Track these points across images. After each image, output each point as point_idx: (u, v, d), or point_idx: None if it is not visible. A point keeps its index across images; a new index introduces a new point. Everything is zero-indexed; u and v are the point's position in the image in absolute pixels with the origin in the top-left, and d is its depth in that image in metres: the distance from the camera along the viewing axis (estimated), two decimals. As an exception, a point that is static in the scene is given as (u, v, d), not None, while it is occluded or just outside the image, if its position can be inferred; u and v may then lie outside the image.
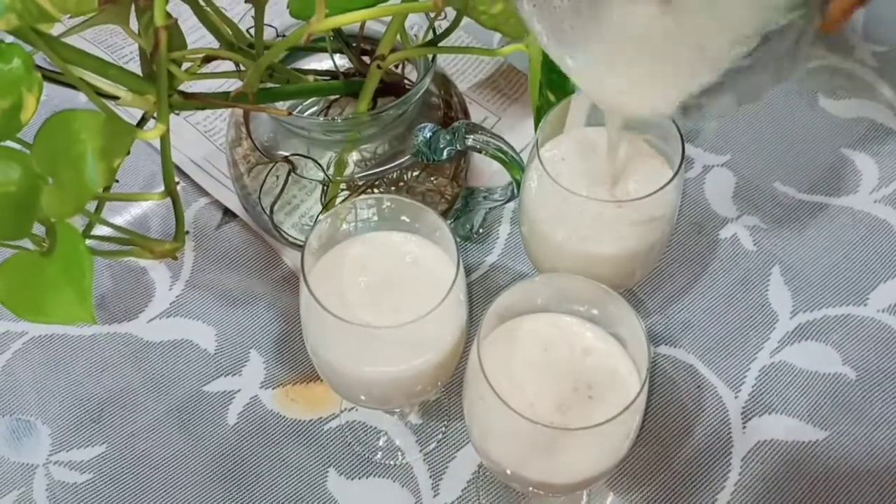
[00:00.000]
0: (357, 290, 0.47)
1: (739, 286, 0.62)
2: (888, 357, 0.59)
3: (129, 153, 0.34)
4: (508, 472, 0.44)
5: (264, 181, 0.57)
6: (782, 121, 0.71)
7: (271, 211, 0.59)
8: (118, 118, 0.35)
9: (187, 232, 0.44)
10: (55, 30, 0.38)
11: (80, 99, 0.64)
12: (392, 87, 0.58)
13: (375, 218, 0.49)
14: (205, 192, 0.66)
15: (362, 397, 0.49)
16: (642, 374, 0.41)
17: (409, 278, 0.48)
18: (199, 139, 0.68)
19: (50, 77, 0.39)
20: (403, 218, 0.48)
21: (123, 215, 0.64)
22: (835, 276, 0.62)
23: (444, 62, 0.74)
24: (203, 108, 0.47)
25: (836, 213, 0.65)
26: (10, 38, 0.37)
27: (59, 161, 0.33)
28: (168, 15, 0.36)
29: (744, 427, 0.56)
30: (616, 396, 0.41)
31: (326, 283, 0.46)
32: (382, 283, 0.47)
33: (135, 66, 0.46)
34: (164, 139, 0.40)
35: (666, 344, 0.60)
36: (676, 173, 0.46)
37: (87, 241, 0.40)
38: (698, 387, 0.58)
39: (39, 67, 0.36)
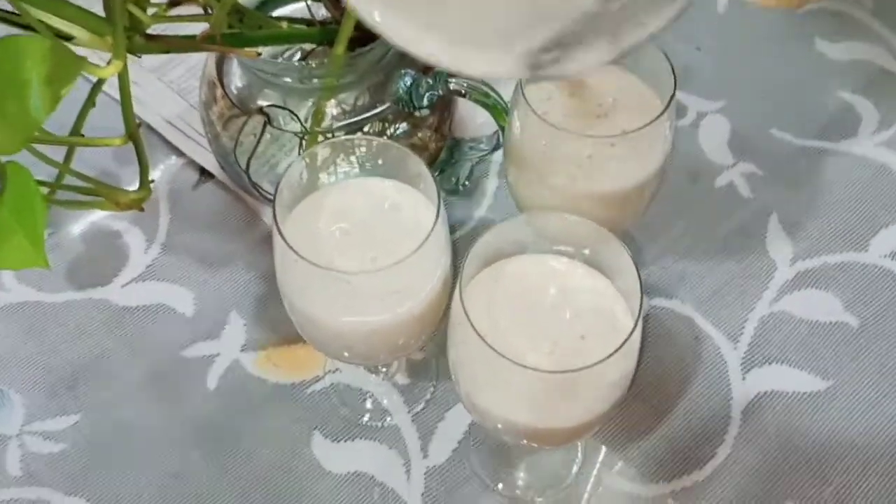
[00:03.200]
0: (333, 239, 0.45)
1: (737, 235, 0.60)
2: (891, 303, 0.57)
3: (75, 82, 0.32)
4: (499, 425, 0.42)
5: (239, 134, 0.54)
6: (778, 65, 0.68)
7: (247, 167, 0.56)
8: (64, 46, 0.32)
9: (152, 180, 0.41)
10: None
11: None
12: (370, 37, 0.55)
13: (352, 164, 0.46)
14: (180, 153, 0.64)
15: (345, 353, 0.47)
16: (636, 314, 0.38)
17: (388, 225, 0.45)
18: (173, 97, 0.66)
19: (1, 17, 0.36)
20: (381, 162, 0.46)
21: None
22: (834, 222, 0.60)
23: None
24: (167, 52, 0.44)
25: (836, 158, 0.63)
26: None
27: (1, 91, 0.31)
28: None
29: (744, 378, 0.54)
30: (609, 337, 0.39)
31: (300, 232, 0.44)
32: (360, 230, 0.45)
33: (98, 9, 0.43)
34: (122, 77, 0.37)
35: (662, 296, 0.57)
36: (668, 104, 0.44)
37: (47, 191, 0.37)
38: (696, 338, 0.56)
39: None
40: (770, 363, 0.55)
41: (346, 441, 0.53)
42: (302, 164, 0.45)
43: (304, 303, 0.44)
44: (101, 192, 0.41)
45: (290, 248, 0.40)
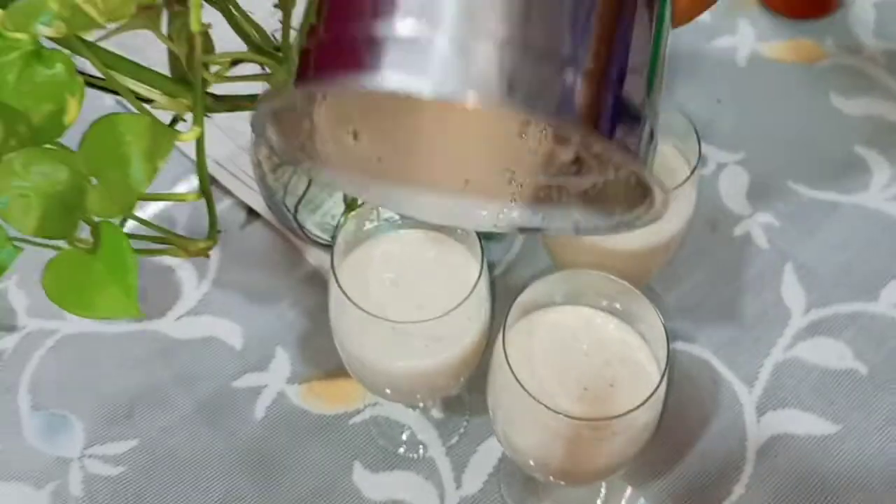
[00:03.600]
0: (383, 287, 0.49)
1: (753, 283, 0.63)
2: (900, 352, 0.60)
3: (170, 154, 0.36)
4: (531, 462, 0.46)
5: (289, 181, 0.58)
6: (795, 119, 0.72)
7: (295, 211, 0.60)
8: (160, 122, 0.36)
9: (219, 231, 0.45)
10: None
11: (107, 102, 0.66)
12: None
13: (398, 217, 0.50)
14: (228, 192, 0.68)
15: (388, 391, 0.51)
16: (662, 366, 0.42)
17: (433, 275, 0.49)
18: (222, 139, 0.70)
19: (89, 82, 0.40)
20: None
21: (147, 213, 0.65)
22: (847, 272, 0.64)
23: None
24: (233, 111, 0.48)
25: (848, 210, 0.67)
26: (49, 44, 0.39)
27: (104, 162, 0.35)
28: (201, 21, 0.38)
29: (758, 421, 0.58)
30: (637, 387, 0.42)
31: (353, 280, 0.48)
32: (407, 279, 0.49)
33: (160, 69, 0.47)
34: (199, 142, 0.41)
35: (682, 340, 0.61)
36: (694, 170, 0.47)
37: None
38: (714, 381, 0.59)
39: (79, 72, 0.38)
40: (784, 407, 0.58)
41: (384, 471, 0.57)
42: (355, 218, 0.49)
43: (355, 345, 0.47)
44: (173, 242, 0.45)
45: (346, 296, 0.44)
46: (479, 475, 0.56)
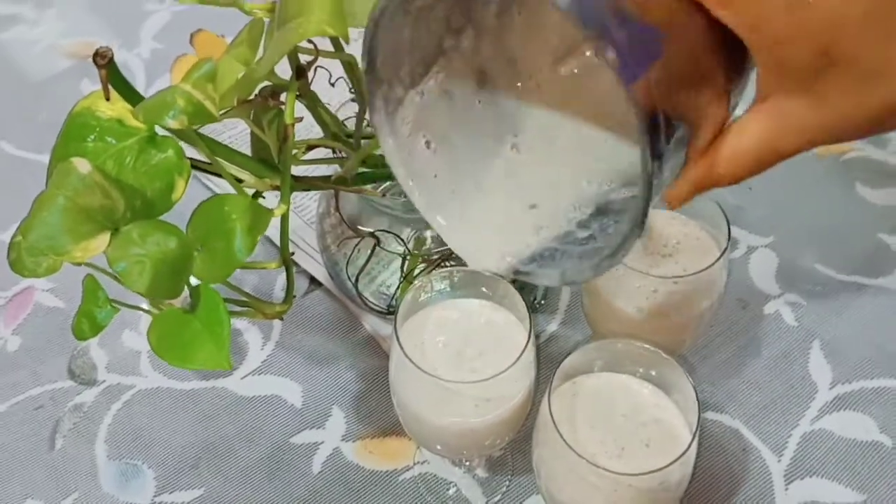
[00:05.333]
0: (437, 350, 0.53)
1: (781, 359, 0.67)
2: (923, 427, 0.63)
3: (267, 230, 0.42)
4: (572, 517, 0.50)
5: (353, 252, 0.64)
6: (823, 206, 0.76)
7: (356, 280, 0.66)
8: (258, 202, 0.42)
9: (294, 296, 0.50)
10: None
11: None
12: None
13: (450, 288, 0.55)
14: (294, 263, 0.73)
15: (438, 447, 0.55)
16: (693, 428, 0.46)
17: (484, 339, 0.54)
18: (291, 214, 0.76)
19: (195, 165, 0.47)
20: (475, 286, 0.55)
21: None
22: (872, 350, 0.67)
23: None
24: (309, 190, 0.54)
25: (874, 293, 0.71)
26: (161, 130, 0.45)
27: (211, 234, 0.40)
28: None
29: (786, 489, 0.61)
30: (669, 446, 0.46)
31: (411, 343, 0.53)
32: (460, 343, 0.54)
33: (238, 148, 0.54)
34: (285, 217, 0.47)
35: (713, 410, 0.65)
36: (724, 252, 0.52)
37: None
38: (743, 450, 0.63)
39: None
40: (811, 476, 0.61)
41: (432, 525, 0.61)
42: (414, 289, 0.54)
43: (412, 402, 0.52)
44: (253, 305, 0.50)
45: (407, 356, 0.49)
46: (521, 532, 0.60)
